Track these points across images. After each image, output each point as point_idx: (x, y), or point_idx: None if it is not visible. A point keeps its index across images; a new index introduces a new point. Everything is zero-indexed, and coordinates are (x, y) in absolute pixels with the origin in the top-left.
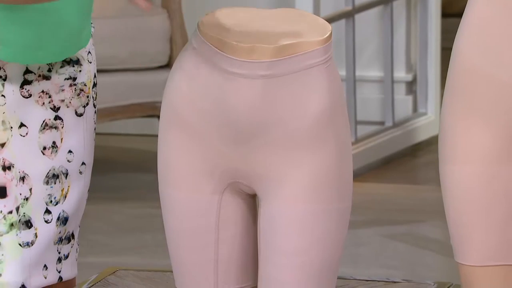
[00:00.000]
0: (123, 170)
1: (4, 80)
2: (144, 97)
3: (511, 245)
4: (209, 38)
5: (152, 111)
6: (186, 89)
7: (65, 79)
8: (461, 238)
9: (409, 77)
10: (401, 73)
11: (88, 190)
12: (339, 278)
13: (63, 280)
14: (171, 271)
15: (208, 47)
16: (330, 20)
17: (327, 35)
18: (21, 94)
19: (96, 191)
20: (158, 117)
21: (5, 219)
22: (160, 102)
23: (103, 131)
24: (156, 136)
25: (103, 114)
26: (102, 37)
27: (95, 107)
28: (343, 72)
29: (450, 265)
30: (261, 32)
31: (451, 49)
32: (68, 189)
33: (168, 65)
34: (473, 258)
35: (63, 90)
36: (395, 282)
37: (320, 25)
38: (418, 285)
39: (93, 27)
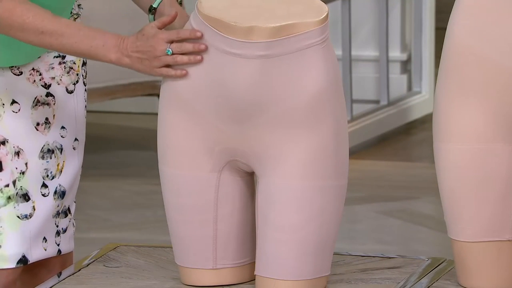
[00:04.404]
0: (124, 147)
1: None
2: (144, 76)
3: (503, 222)
4: (207, 19)
5: (152, 90)
6: (185, 69)
7: (54, 57)
8: (454, 215)
9: (404, 57)
10: (396, 53)
11: (88, 167)
12: (334, 254)
13: (62, 253)
14: (171, 247)
15: (206, 27)
16: (327, 1)
17: (323, 16)
18: (11, 72)
19: (97, 168)
20: (158, 95)
21: (2, 192)
22: (160, 81)
23: (104, 109)
24: (156, 114)
25: (104, 93)
26: (102, 17)
27: (85, 85)
28: (339, 52)
29: (443, 241)
30: (259, 13)
31: (445, 29)
32: (63, 164)
33: None
34: (466, 234)
35: (53, 67)
36: (390, 257)
37: (317, 6)
38: (412, 261)
39: (82, 8)
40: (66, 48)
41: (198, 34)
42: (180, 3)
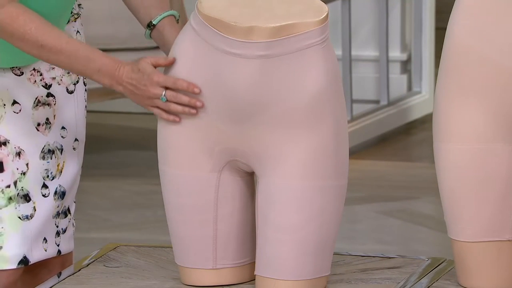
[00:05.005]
0: (124, 147)
1: None
2: None
3: (503, 222)
4: (207, 19)
5: None
6: (185, 69)
7: None
8: (454, 215)
9: (404, 57)
10: (396, 53)
11: (88, 167)
12: (334, 254)
13: (62, 253)
14: (171, 247)
15: (206, 27)
16: (327, 1)
17: (323, 16)
18: (12, 72)
19: (97, 168)
20: None
21: (3, 193)
22: None
23: (104, 109)
24: None
25: (104, 93)
26: (103, 17)
27: (85, 85)
28: (339, 52)
29: (443, 241)
30: (259, 13)
31: (445, 29)
32: (63, 164)
33: None
34: (466, 234)
35: (53, 68)
36: (390, 257)
37: (317, 6)
38: (412, 261)
39: (82, 8)
40: (62, 65)
41: (196, 90)
42: (178, 21)
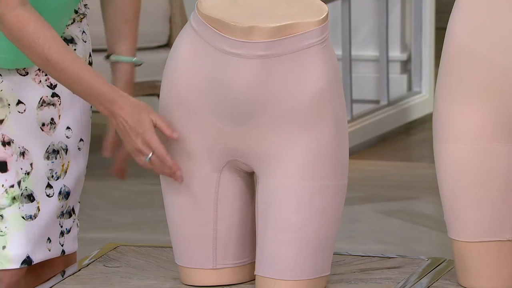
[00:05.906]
0: None
1: None
2: (144, 76)
3: (503, 221)
4: (207, 19)
5: (152, 90)
6: (185, 69)
7: None
8: (454, 215)
9: (404, 57)
10: (396, 53)
11: (88, 167)
12: (334, 254)
13: (65, 253)
14: (171, 247)
15: (206, 27)
16: (327, 1)
17: (323, 16)
18: (17, 72)
19: (97, 168)
20: (158, 95)
21: (7, 192)
22: (160, 81)
23: None
24: None
25: None
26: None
27: None
28: (339, 52)
29: (443, 240)
30: (259, 13)
31: (445, 29)
32: (68, 164)
33: (167, 45)
34: (466, 234)
35: None
36: (390, 257)
37: (317, 6)
38: (412, 261)
39: (88, 8)
40: (62, 81)
41: (178, 173)
42: (137, 66)
